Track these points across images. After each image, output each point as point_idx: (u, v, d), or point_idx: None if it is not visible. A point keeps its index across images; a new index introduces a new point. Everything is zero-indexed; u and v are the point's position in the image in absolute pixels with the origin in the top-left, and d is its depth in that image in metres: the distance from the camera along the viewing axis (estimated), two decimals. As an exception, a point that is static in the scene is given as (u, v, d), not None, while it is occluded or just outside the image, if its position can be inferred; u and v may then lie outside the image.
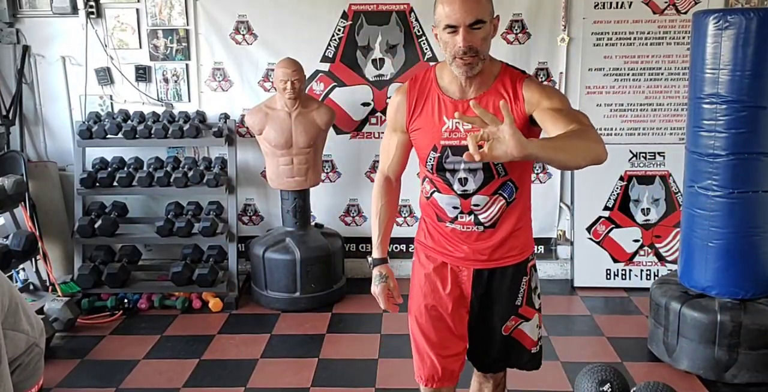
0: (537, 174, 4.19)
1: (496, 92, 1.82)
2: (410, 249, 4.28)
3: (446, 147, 1.84)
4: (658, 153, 4.12)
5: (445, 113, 1.84)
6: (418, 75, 1.93)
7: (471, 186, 1.86)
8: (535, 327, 2.06)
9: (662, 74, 4.08)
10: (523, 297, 2.03)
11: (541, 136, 1.73)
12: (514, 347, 2.06)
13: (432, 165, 1.87)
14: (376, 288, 2.05)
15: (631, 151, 4.12)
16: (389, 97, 4.10)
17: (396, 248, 4.32)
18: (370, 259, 2.09)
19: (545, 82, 4.09)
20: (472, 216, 1.91)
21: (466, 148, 1.62)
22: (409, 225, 4.26)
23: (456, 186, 1.88)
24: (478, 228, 1.93)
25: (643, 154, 4.12)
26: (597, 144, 1.61)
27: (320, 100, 4.07)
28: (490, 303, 2.02)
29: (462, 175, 1.85)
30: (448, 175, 1.87)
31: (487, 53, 1.77)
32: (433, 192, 1.94)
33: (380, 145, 2.07)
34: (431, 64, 4.06)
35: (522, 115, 1.80)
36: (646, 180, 4.13)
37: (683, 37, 3.99)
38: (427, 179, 1.96)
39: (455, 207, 1.91)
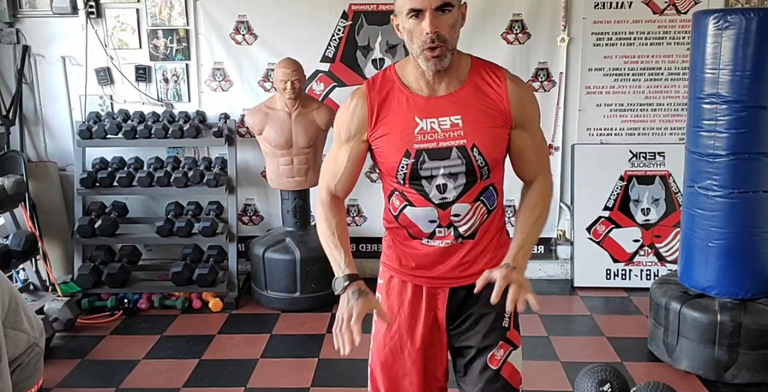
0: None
1: (474, 86, 1.65)
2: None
3: (421, 151, 1.63)
4: (658, 153, 4.12)
5: (416, 113, 1.64)
6: (374, 77, 1.72)
7: (451, 193, 1.66)
8: (520, 358, 1.83)
9: (662, 74, 4.08)
10: (510, 318, 1.79)
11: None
12: (500, 387, 1.78)
13: (404, 174, 1.65)
14: (351, 304, 1.60)
15: (631, 151, 4.12)
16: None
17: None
18: (340, 278, 1.69)
19: (545, 83, 4.09)
20: (452, 229, 1.71)
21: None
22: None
23: (433, 194, 1.67)
24: (458, 240, 1.73)
25: (643, 154, 4.12)
26: (546, 210, 1.76)
27: (320, 100, 4.07)
28: (471, 327, 1.78)
29: (440, 181, 1.65)
30: (424, 182, 1.66)
31: (455, 43, 1.59)
32: (404, 207, 1.72)
33: (324, 163, 1.84)
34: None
35: (506, 115, 1.65)
36: (646, 180, 4.13)
37: (683, 37, 3.99)
38: (396, 193, 1.73)
39: (432, 221, 1.70)
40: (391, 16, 1.64)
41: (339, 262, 1.73)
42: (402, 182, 1.68)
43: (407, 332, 1.81)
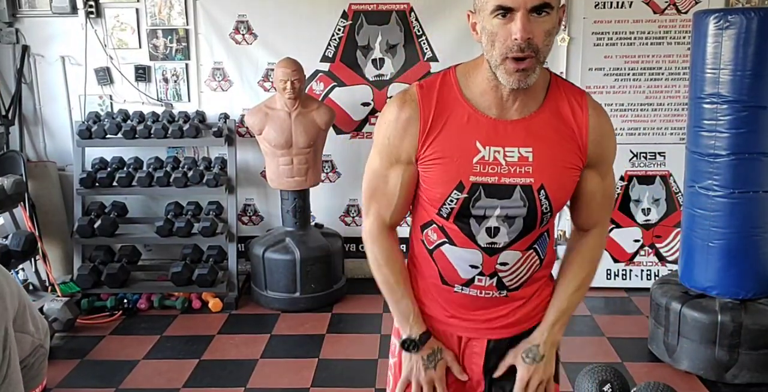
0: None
1: (552, 111, 1.35)
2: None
3: (478, 185, 1.33)
4: (659, 153, 4.11)
5: (479, 137, 1.33)
6: (430, 81, 1.38)
7: (503, 238, 1.38)
8: None
9: (663, 74, 4.08)
10: (557, 367, 1.58)
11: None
12: None
13: (452, 209, 1.36)
14: (433, 373, 1.46)
15: (631, 151, 4.11)
16: (389, 97, 4.09)
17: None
18: (413, 337, 1.46)
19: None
20: (495, 279, 1.43)
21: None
22: (408, 225, 4.24)
23: (481, 236, 1.38)
24: (501, 293, 1.45)
25: (644, 154, 4.11)
26: (594, 271, 1.52)
27: (320, 99, 4.07)
28: (512, 384, 1.50)
29: (493, 223, 1.36)
30: (473, 221, 1.37)
31: (546, 56, 1.28)
32: (442, 243, 1.43)
33: (368, 184, 1.48)
34: (432, 64, 4.08)
35: (583, 153, 1.36)
36: (646, 180, 4.12)
37: (684, 37, 3.98)
38: (434, 225, 1.43)
39: (473, 267, 1.42)
40: (468, 12, 1.33)
41: (407, 316, 1.48)
42: (446, 217, 1.39)
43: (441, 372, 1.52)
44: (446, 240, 1.42)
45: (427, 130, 1.35)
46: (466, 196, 1.34)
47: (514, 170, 1.34)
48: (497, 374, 1.46)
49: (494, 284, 1.44)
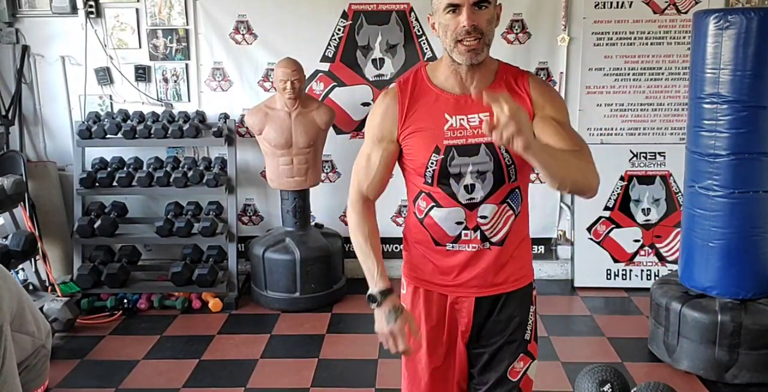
0: (537, 173, 4.19)
1: (500, 86, 1.66)
2: None
3: (451, 147, 1.63)
4: (659, 153, 4.11)
5: (446, 110, 1.65)
6: (405, 77, 1.74)
7: (479, 193, 1.65)
8: (535, 369, 1.81)
9: (663, 74, 4.08)
10: (531, 331, 1.79)
11: None
12: None
13: (434, 170, 1.65)
14: (393, 326, 1.66)
15: (631, 151, 4.11)
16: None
17: (396, 248, 4.31)
18: (374, 293, 1.70)
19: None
20: (478, 232, 1.70)
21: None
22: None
23: (461, 194, 1.66)
24: (484, 245, 1.71)
25: (644, 154, 4.11)
26: (593, 174, 1.59)
27: (320, 99, 4.07)
28: (494, 340, 1.77)
29: (469, 180, 1.64)
30: (452, 181, 1.65)
31: (491, 39, 1.61)
32: (431, 208, 1.71)
33: (355, 162, 1.81)
34: (432, 64, 4.07)
35: (530, 111, 1.64)
36: (646, 180, 4.12)
37: (684, 37, 3.99)
38: (422, 195, 1.72)
39: (459, 223, 1.69)
40: (427, 16, 1.68)
41: (372, 273, 1.73)
42: (430, 182, 1.67)
43: (431, 343, 1.80)
44: (434, 204, 1.70)
45: (405, 112, 1.68)
46: (443, 157, 1.64)
47: (477, 132, 1.63)
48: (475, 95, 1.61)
49: (478, 237, 1.70)
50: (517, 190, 1.70)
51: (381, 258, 1.75)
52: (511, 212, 1.70)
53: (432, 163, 1.65)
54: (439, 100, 1.67)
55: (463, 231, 1.70)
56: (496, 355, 1.77)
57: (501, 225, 1.70)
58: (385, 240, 4.15)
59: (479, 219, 1.68)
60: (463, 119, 1.64)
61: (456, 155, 1.64)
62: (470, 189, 1.65)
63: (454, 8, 1.55)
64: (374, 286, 1.71)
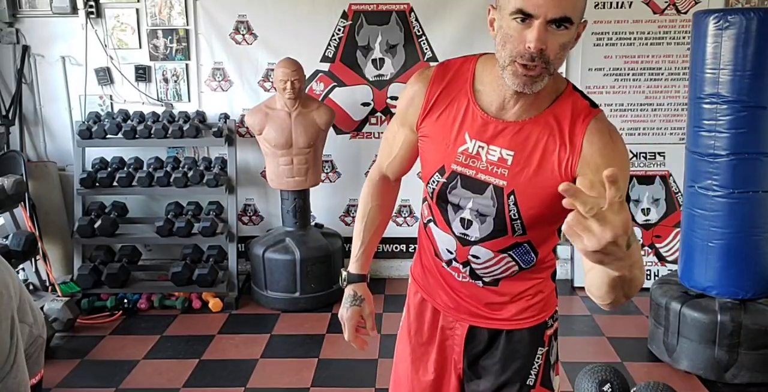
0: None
1: (545, 123, 1.31)
2: (410, 250, 4.28)
3: (456, 174, 1.38)
4: (658, 153, 4.12)
5: (470, 129, 1.35)
6: (451, 63, 1.41)
7: (474, 233, 1.41)
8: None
9: (662, 74, 4.08)
10: (537, 375, 1.53)
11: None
12: None
13: (433, 189, 1.42)
14: (345, 312, 1.61)
15: (631, 151, 4.11)
16: (389, 98, 4.10)
17: (396, 248, 4.32)
18: (343, 274, 1.63)
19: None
20: (468, 269, 1.47)
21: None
22: (409, 226, 4.26)
23: (455, 225, 1.43)
24: (476, 282, 1.49)
25: (643, 154, 4.12)
26: (640, 282, 1.16)
27: (320, 100, 4.07)
28: (490, 378, 1.53)
29: (467, 215, 1.39)
30: (450, 209, 1.42)
31: (558, 67, 1.25)
32: (429, 221, 1.51)
33: (383, 137, 1.59)
34: (432, 64, 4.07)
35: (569, 173, 1.29)
36: (646, 180, 4.13)
37: (683, 37, 3.99)
38: (426, 203, 1.51)
39: (449, 251, 1.48)
40: (489, 6, 1.32)
41: (353, 253, 1.64)
42: (431, 197, 1.46)
43: (420, 357, 1.63)
44: (432, 218, 1.50)
45: (429, 107, 1.40)
46: (445, 181, 1.40)
47: (492, 169, 1.35)
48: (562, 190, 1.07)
49: (468, 273, 1.49)
50: (525, 245, 1.42)
51: (371, 239, 1.63)
52: (513, 264, 1.45)
53: (434, 182, 1.42)
54: (467, 112, 1.35)
55: (453, 261, 1.49)
56: (491, 383, 1.53)
57: (497, 272, 1.47)
58: (385, 240, 4.17)
59: (470, 257, 1.45)
60: (482, 147, 1.34)
61: (459, 185, 1.39)
62: (466, 225, 1.41)
63: (525, 17, 1.19)
64: (350, 266, 1.65)
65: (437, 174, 1.41)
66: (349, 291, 1.63)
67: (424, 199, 1.52)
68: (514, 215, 1.35)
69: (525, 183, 1.33)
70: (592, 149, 1.27)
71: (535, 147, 1.31)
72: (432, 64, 4.01)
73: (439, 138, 1.39)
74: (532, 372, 1.52)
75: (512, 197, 1.34)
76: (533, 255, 1.44)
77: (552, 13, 1.17)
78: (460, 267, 1.48)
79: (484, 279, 1.48)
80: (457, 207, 1.41)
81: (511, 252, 1.43)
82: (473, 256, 1.45)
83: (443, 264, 1.53)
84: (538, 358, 1.53)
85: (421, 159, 1.49)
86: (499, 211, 1.36)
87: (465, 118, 1.36)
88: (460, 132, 1.36)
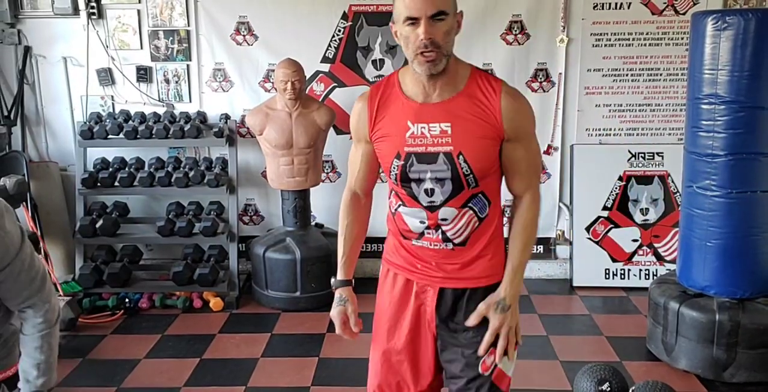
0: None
1: (468, 95, 1.67)
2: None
3: (410, 154, 1.70)
4: (657, 153, 4.13)
5: (409, 118, 1.69)
6: (380, 81, 1.81)
7: (438, 197, 1.71)
8: (510, 363, 1.82)
9: (661, 75, 4.10)
10: None
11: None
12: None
13: (396, 174, 1.73)
14: (333, 312, 1.91)
15: (629, 151, 4.13)
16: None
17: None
18: (333, 280, 1.92)
19: (544, 83, 4.10)
20: (440, 233, 1.75)
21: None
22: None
23: (422, 196, 1.73)
24: (446, 245, 1.77)
25: (642, 154, 4.13)
26: (535, 231, 1.79)
27: (320, 100, 4.09)
28: (461, 331, 1.80)
29: (428, 185, 1.71)
30: (413, 185, 1.72)
31: (450, 49, 1.64)
32: (399, 206, 1.80)
33: (348, 161, 1.94)
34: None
35: (498, 128, 1.66)
36: (644, 180, 4.14)
37: (682, 38, 4.00)
38: (393, 193, 1.82)
39: (422, 222, 1.76)
40: (390, 23, 1.71)
41: (339, 263, 1.92)
42: (396, 182, 1.75)
43: (393, 325, 1.90)
44: (401, 202, 1.79)
45: (374, 117, 1.76)
46: (403, 162, 1.71)
47: (437, 141, 1.68)
48: (471, 323, 1.75)
49: (440, 237, 1.77)
50: (480, 195, 1.74)
51: (351, 249, 1.91)
52: (473, 216, 1.75)
53: (394, 168, 1.72)
54: (404, 107, 1.71)
55: (426, 230, 1.77)
56: (464, 350, 1.80)
57: (463, 228, 1.75)
58: (382, 240, 4.18)
59: (440, 221, 1.74)
60: (424, 127, 1.68)
61: (415, 162, 1.70)
62: (430, 193, 1.71)
63: (413, 21, 1.58)
64: (337, 274, 1.91)
65: (395, 160, 1.71)
66: (337, 294, 1.91)
67: (391, 192, 1.83)
68: (467, 171, 1.68)
69: (468, 143, 1.67)
70: (506, 108, 1.66)
71: (466, 114, 1.67)
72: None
73: (391, 133, 1.72)
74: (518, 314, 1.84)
75: (461, 157, 1.67)
76: (486, 204, 1.76)
77: (429, 11, 1.57)
78: (432, 233, 1.76)
79: (454, 240, 1.76)
80: (419, 181, 1.71)
81: (470, 205, 1.74)
82: (442, 219, 1.74)
83: (414, 240, 1.80)
84: None
85: (380, 158, 1.79)
86: (454, 171, 1.68)
87: (403, 111, 1.71)
88: (403, 122, 1.70)
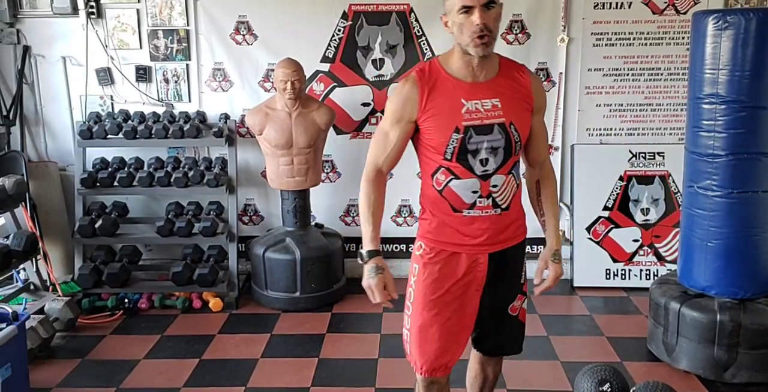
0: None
1: (508, 75, 1.98)
2: (410, 250, 4.28)
3: (468, 127, 1.92)
4: (658, 153, 4.12)
5: (462, 96, 1.92)
6: (422, 67, 1.99)
7: (492, 166, 1.95)
8: (526, 303, 2.21)
9: (662, 74, 4.09)
10: (524, 274, 2.19)
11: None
12: (518, 328, 2.21)
13: (454, 148, 1.93)
14: (372, 281, 1.99)
15: (630, 151, 4.12)
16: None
17: (396, 248, 4.33)
18: (363, 252, 2.01)
19: (544, 83, 4.10)
20: (491, 200, 1.99)
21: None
22: (409, 225, 4.27)
23: (477, 167, 1.95)
24: (495, 211, 2.01)
25: (643, 154, 4.12)
26: (555, 184, 2.20)
27: (320, 100, 4.08)
28: (501, 286, 2.11)
29: (483, 155, 1.94)
30: (469, 157, 1.94)
31: (497, 35, 1.89)
32: (450, 180, 1.98)
33: (373, 139, 2.08)
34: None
35: (530, 102, 1.99)
36: (645, 180, 4.13)
37: (683, 38, 4.00)
38: (441, 169, 1.99)
39: (474, 192, 1.98)
40: (440, 16, 1.93)
41: (367, 236, 2.02)
42: (450, 157, 1.95)
43: (452, 276, 2.06)
44: (453, 176, 1.98)
45: (426, 96, 1.94)
46: (462, 135, 1.93)
47: (490, 114, 1.94)
48: (539, 283, 2.15)
49: (491, 203, 2.00)
50: (518, 162, 2.06)
51: (378, 225, 2.05)
52: (514, 181, 2.03)
53: (453, 141, 1.92)
54: (455, 87, 1.94)
55: (478, 199, 1.99)
56: (505, 298, 2.14)
57: (508, 193, 2.02)
58: (385, 240, 4.18)
59: (491, 188, 1.98)
60: (477, 103, 1.93)
61: (474, 134, 1.92)
62: (485, 162, 1.95)
63: (467, 9, 1.82)
64: (365, 246, 2.01)
65: (454, 134, 1.92)
66: (371, 264, 2.00)
67: (437, 169, 1.99)
68: (517, 138, 1.97)
69: (515, 114, 1.97)
70: (535, 89, 2.03)
71: (507, 91, 1.97)
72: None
73: (443, 112, 1.93)
74: (522, 274, 2.19)
75: (513, 126, 1.96)
76: (519, 170, 2.07)
77: (482, 1, 1.82)
78: (484, 201, 1.99)
79: (502, 206, 2.01)
80: (476, 152, 1.94)
81: (512, 171, 2.02)
82: (493, 186, 1.98)
83: (465, 211, 2.00)
84: (524, 264, 2.20)
85: (428, 135, 1.96)
86: (507, 139, 1.95)
87: (455, 90, 1.94)
88: (456, 100, 1.93)
